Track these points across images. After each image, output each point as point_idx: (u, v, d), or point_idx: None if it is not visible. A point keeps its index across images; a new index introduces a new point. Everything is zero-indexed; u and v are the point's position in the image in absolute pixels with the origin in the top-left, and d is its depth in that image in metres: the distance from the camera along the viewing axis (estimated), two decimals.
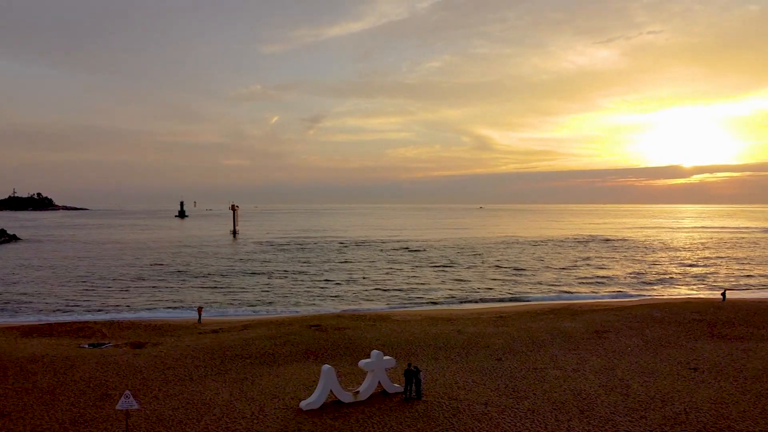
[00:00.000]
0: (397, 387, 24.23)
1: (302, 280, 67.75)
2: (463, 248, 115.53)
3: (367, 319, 40.16)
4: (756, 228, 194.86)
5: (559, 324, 37.89)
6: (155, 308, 52.02)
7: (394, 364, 24.71)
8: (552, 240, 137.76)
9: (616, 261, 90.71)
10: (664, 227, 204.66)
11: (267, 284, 64.90)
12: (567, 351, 30.93)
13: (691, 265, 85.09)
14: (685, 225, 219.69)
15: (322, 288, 62.18)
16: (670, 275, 74.12)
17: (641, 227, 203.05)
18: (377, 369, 23.95)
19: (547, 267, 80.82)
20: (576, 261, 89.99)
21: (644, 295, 57.73)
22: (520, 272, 74.76)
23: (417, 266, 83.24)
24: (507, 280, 67.54)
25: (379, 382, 24.08)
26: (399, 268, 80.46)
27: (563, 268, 79.30)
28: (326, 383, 22.82)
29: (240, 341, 32.97)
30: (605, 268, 79.17)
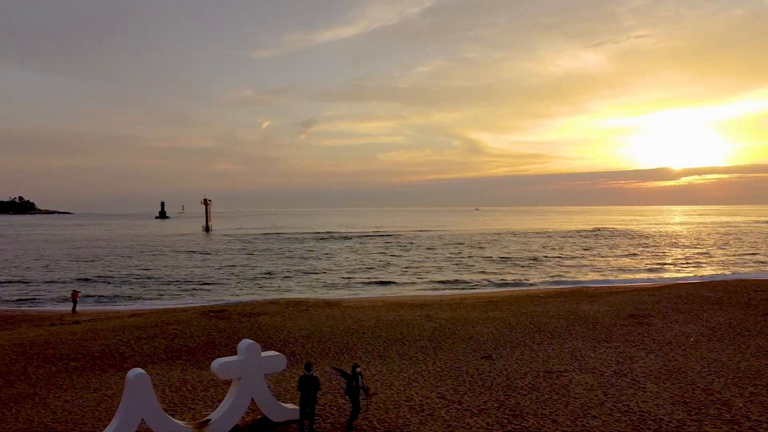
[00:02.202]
0: (288, 410, 12.81)
1: (256, 270, 56.08)
2: (453, 240, 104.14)
3: (304, 306, 28.66)
4: (763, 221, 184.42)
5: (575, 307, 26.50)
6: (43, 299, 40.38)
7: (283, 366, 13.14)
8: (553, 232, 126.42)
9: (629, 249, 79.03)
10: (667, 222, 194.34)
11: (211, 275, 53.24)
12: (596, 343, 19.54)
13: (716, 251, 73.78)
14: (689, 220, 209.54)
15: (273, 276, 50.54)
16: (699, 259, 62.49)
17: (643, 223, 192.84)
18: (249, 376, 12.50)
19: (550, 256, 69.10)
20: (583, 250, 78.37)
21: (674, 279, 46.34)
22: (517, 261, 63.35)
23: (395, 255, 71.77)
24: (501, 270, 56.22)
25: (252, 400, 12.68)
26: (373, 257, 68.90)
27: (569, 257, 67.84)
28: (131, 406, 11.35)
29: (86, 334, 21.40)
30: (618, 257, 67.76)
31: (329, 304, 30.75)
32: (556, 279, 45.56)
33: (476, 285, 43.52)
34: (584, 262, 59.27)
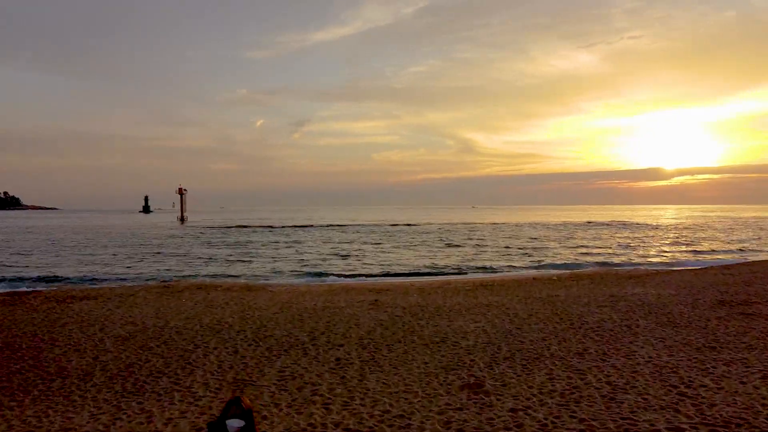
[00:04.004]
0: None
1: (199, 257, 45.58)
2: (449, 230, 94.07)
3: (190, 289, 18.66)
4: None
5: (617, 290, 16.60)
6: None
7: None
8: (558, 223, 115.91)
9: (655, 236, 67.21)
10: (675, 216, 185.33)
11: (136, 263, 42.89)
12: (698, 354, 9.55)
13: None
14: (695, 214, 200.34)
15: (210, 262, 40.12)
16: (750, 246, 51.30)
17: (650, 217, 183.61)
18: None
19: (565, 245, 56.85)
20: (597, 239, 67.21)
21: (731, 261, 35.72)
22: (520, 247, 53.07)
23: (375, 243, 61.62)
24: (501, 255, 46.15)
25: None
26: (350, 246, 58.75)
27: (583, 243, 57.24)
28: None
29: None
30: (645, 243, 57.10)
31: (249, 288, 20.71)
32: (572, 262, 35.31)
33: (466, 271, 33.42)
34: (602, 249, 48.72)
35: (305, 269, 33.22)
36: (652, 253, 42.12)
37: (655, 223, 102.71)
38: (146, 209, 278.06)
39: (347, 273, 30.44)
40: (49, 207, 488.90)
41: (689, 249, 45.03)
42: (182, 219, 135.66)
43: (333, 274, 29.91)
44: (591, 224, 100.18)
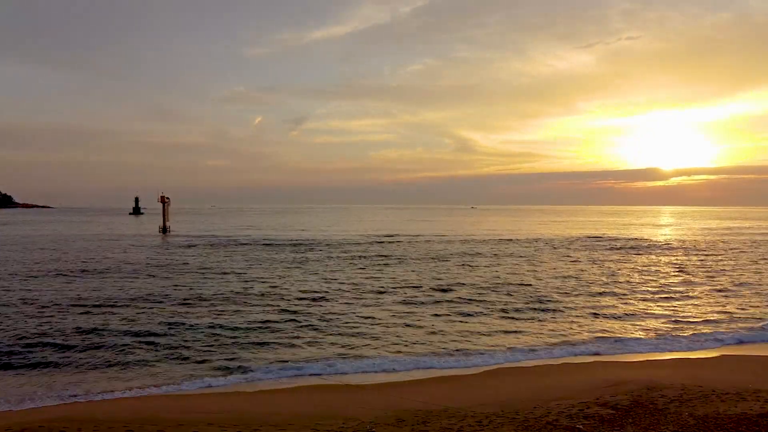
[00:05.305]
0: None
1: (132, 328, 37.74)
2: (443, 254, 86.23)
3: None
4: None
5: None
6: None
7: None
8: (567, 241, 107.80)
9: (679, 273, 52.09)
10: (687, 229, 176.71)
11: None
12: None
13: None
14: (711, 226, 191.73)
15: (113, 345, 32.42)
16: None
17: (659, 227, 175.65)
18: None
19: (575, 292, 42.78)
20: (619, 271, 58.37)
21: None
22: (531, 304, 45.42)
23: (351, 283, 53.73)
24: (509, 317, 38.52)
25: None
26: (311, 296, 50.95)
27: (605, 291, 49.46)
28: None
29: None
30: (676, 301, 49.07)
31: None
32: (591, 347, 27.15)
33: (450, 365, 25.69)
34: (623, 305, 40.23)
35: (233, 356, 24.98)
36: (691, 318, 33.92)
37: (669, 242, 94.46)
38: (137, 210, 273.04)
39: (271, 376, 22.40)
40: (42, 205, 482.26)
41: (733, 304, 36.89)
42: (164, 229, 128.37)
43: (249, 379, 21.87)
44: (601, 241, 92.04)
